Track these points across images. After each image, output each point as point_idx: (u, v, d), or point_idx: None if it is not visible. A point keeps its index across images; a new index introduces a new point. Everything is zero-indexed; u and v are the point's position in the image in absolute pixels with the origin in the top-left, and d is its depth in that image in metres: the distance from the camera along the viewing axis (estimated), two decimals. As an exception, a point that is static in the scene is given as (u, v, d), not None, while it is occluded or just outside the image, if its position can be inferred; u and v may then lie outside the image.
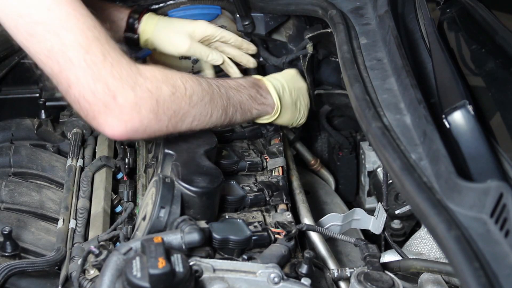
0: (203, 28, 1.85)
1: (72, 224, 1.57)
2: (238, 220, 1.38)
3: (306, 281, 1.27)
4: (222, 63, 1.94)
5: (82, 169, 1.79)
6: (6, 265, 1.36)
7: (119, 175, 1.80)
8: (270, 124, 1.76)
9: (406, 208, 1.89)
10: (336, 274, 1.41)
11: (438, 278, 1.42)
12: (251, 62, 2.00)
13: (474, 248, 1.00)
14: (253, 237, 1.34)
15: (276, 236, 1.38)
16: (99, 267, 1.24)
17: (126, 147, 1.88)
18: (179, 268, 1.12)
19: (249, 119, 1.65)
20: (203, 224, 1.29)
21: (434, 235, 1.08)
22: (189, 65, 2.06)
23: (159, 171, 1.44)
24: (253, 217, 1.49)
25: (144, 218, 1.32)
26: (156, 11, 2.33)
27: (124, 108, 1.30)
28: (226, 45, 1.94)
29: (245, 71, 2.13)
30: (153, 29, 1.86)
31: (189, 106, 1.41)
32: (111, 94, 1.28)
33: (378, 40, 1.67)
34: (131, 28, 1.87)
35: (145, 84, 1.32)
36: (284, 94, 1.71)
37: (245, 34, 2.21)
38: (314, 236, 1.58)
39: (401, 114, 1.36)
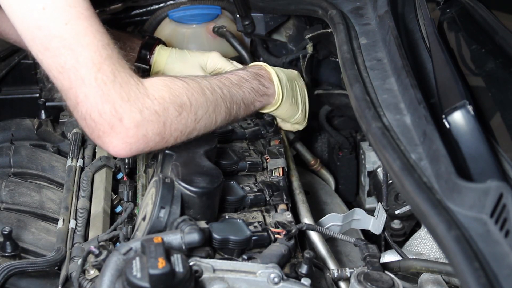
0: (215, 60, 1.84)
1: (72, 224, 1.57)
2: (238, 220, 1.38)
3: (306, 281, 1.27)
4: None
5: (82, 169, 1.79)
6: (6, 265, 1.36)
7: (119, 175, 1.80)
8: (270, 125, 1.76)
9: (406, 208, 1.89)
10: (336, 274, 1.41)
11: (438, 278, 1.42)
12: None
13: (474, 248, 1.00)
14: (253, 237, 1.34)
15: (276, 236, 1.38)
16: (99, 267, 1.24)
17: (126, 147, 1.89)
18: (179, 268, 1.11)
19: (253, 110, 1.65)
20: (203, 224, 1.29)
21: (434, 235, 1.08)
22: None
23: (159, 171, 1.44)
24: (253, 217, 1.48)
25: (144, 218, 1.32)
26: (156, 12, 2.35)
27: (130, 130, 1.30)
28: None
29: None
30: (165, 61, 1.86)
31: (195, 123, 1.41)
32: (118, 116, 1.28)
33: (378, 40, 1.67)
34: (143, 59, 1.86)
35: (152, 107, 1.32)
36: (285, 85, 1.71)
37: (245, 34, 2.22)
38: (314, 236, 1.58)
39: (401, 114, 1.36)
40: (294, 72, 1.81)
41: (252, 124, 1.74)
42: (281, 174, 1.62)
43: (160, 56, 1.86)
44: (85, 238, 1.55)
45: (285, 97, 1.70)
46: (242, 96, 1.56)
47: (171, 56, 1.86)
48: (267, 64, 1.72)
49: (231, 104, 1.52)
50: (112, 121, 1.29)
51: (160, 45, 1.87)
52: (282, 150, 1.70)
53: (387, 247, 1.75)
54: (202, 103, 1.42)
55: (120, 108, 1.28)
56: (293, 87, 1.75)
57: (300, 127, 1.84)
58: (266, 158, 1.67)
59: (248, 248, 1.34)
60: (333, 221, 1.71)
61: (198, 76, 1.53)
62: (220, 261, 1.24)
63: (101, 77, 1.27)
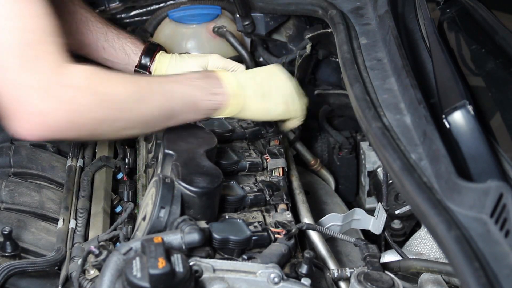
0: (216, 62, 1.82)
1: (72, 224, 1.57)
2: (238, 220, 1.38)
3: (306, 281, 1.27)
4: None
5: (82, 169, 1.79)
6: (6, 265, 1.36)
7: (119, 175, 1.80)
8: (270, 125, 1.76)
9: (406, 208, 1.89)
10: (336, 274, 1.41)
11: (438, 278, 1.42)
12: None
13: (474, 248, 1.00)
14: (253, 237, 1.34)
15: (276, 236, 1.38)
16: (99, 267, 1.24)
17: (126, 147, 1.89)
18: (179, 268, 1.12)
19: (202, 112, 1.55)
20: (203, 224, 1.29)
21: (434, 235, 1.08)
22: None
23: (159, 171, 1.44)
24: (253, 217, 1.49)
25: (144, 218, 1.32)
26: (156, 12, 2.35)
27: (38, 117, 1.30)
28: None
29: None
30: (166, 67, 1.85)
31: (118, 112, 1.39)
32: (27, 102, 1.29)
33: (378, 40, 1.67)
34: (144, 66, 1.86)
35: (65, 95, 1.31)
36: (248, 85, 1.61)
37: (245, 34, 2.22)
38: (314, 236, 1.58)
39: (401, 114, 1.36)
40: (270, 68, 1.70)
41: (252, 124, 1.74)
42: (281, 174, 1.62)
43: (161, 64, 1.85)
44: (85, 238, 1.55)
45: (249, 99, 1.61)
46: (183, 92, 1.50)
47: (171, 62, 1.85)
48: (218, 70, 1.66)
49: (168, 99, 1.47)
50: (21, 107, 1.29)
51: (161, 52, 1.87)
52: (282, 150, 1.70)
53: (387, 247, 1.75)
54: (127, 94, 1.40)
55: (30, 95, 1.28)
56: (263, 83, 1.64)
57: (297, 121, 1.73)
58: (266, 158, 1.67)
59: (248, 248, 1.34)
60: (333, 221, 1.71)
61: (129, 74, 1.51)
62: (220, 261, 1.24)
63: (18, 63, 1.28)
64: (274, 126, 1.77)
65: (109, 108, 1.37)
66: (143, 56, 1.85)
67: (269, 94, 1.63)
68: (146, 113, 1.44)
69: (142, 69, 1.85)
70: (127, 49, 1.85)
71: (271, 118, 1.67)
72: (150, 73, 1.87)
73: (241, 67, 1.83)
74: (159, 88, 1.47)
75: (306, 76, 2.15)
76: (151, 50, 1.85)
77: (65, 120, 1.33)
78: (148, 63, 1.85)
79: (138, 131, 1.48)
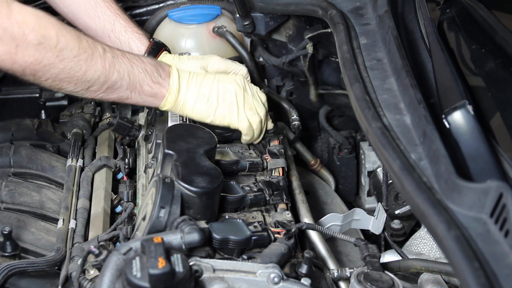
0: (216, 63, 1.82)
1: (72, 224, 1.57)
2: (238, 220, 1.38)
3: (306, 281, 1.27)
4: None
5: (82, 169, 1.79)
6: (6, 265, 1.36)
7: (119, 175, 1.80)
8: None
9: (406, 208, 1.89)
10: (336, 274, 1.41)
11: (438, 278, 1.42)
12: None
13: (474, 248, 1.00)
14: (253, 237, 1.34)
15: (276, 235, 1.38)
16: (99, 267, 1.24)
17: (126, 147, 1.89)
18: (179, 268, 1.12)
19: (141, 94, 1.58)
20: (203, 224, 1.29)
21: (434, 235, 1.08)
22: None
23: (159, 171, 1.44)
24: (253, 217, 1.49)
25: (144, 218, 1.32)
26: (156, 12, 2.35)
27: None
28: None
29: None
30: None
31: (57, 59, 1.42)
32: None
33: (378, 40, 1.67)
34: None
35: (10, 28, 1.35)
36: (193, 87, 1.63)
37: (245, 34, 2.22)
38: (314, 236, 1.58)
39: (401, 114, 1.36)
40: (227, 78, 1.68)
41: None
42: (281, 174, 1.62)
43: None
44: (85, 238, 1.55)
45: (189, 98, 1.62)
46: (129, 70, 1.54)
47: (173, 62, 1.85)
48: (171, 64, 1.68)
49: (112, 69, 1.50)
50: None
51: (164, 52, 1.87)
52: (282, 150, 1.70)
53: (387, 247, 1.75)
54: (72, 46, 1.44)
55: None
56: (212, 90, 1.64)
57: (246, 137, 1.70)
58: (266, 158, 1.67)
59: (248, 248, 1.34)
60: (333, 221, 1.71)
61: (82, 33, 1.53)
62: (220, 261, 1.24)
63: None
64: (274, 126, 1.77)
65: (47, 51, 1.40)
66: (145, 55, 1.85)
67: (213, 101, 1.64)
68: (87, 70, 1.47)
69: None
70: (132, 45, 1.85)
71: (211, 123, 1.66)
72: None
73: (242, 68, 1.83)
74: (104, 54, 1.50)
75: (316, 76, 2.16)
76: (155, 50, 1.85)
77: (4, 51, 1.36)
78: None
79: (75, 88, 1.50)
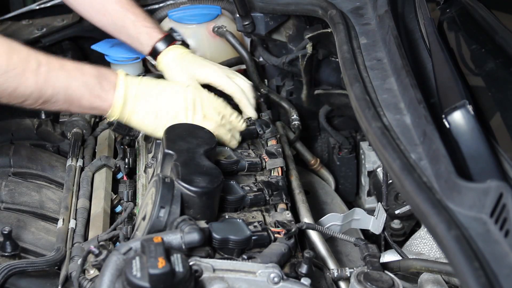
0: (205, 74, 1.78)
1: (72, 224, 1.57)
2: (238, 220, 1.38)
3: (306, 281, 1.27)
4: None
5: (82, 169, 1.79)
6: (6, 265, 1.36)
7: (119, 175, 1.80)
8: (267, 125, 1.76)
9: (406, 208, 1.89)
10: (336, 274, 1.41)
11: (438, 278, 1.42)
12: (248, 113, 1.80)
13: (474, 248, 1.00)
14: (253, 237, 1.34)
15: (276, 235, 1.38)
16: (99, 267, 1.24)
17: (126, 147, 1.89)
18: (179, 268, 1.12)
19: (80, 108, 1.55)
20: (203, 224, 1.29)
21: (434, 235, 1.08)
22: None
23: (159, 171, 1.44)
24: (253, 217, 1.49)
25: (144, 218, 1.32)
26: (156, 12, 2.35)
27: None
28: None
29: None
30: (168, 60, 1.83)
31: None
32: None
33: (378, 40, 1.67)
34: (154, 55, 1.86)
35: None
36: (140, 97, 1.58)
37: (245, 34, 2.22)
38: (314, 236, 1.58)
39: (401, 114, 1.36)
40: (177, 89, 1.63)
41: (248, 123, 1.74)
42: (280, 174, 1.62)
43: (166, 55, 1.84)
44: (85, 238, 1.55)
45: (137, 112, 1.57)
46: (66, 85, 1.49)
47: (175, 58, 1.84)
48: (120, 72, 1.60)
49: (46, 84, 1.47)
50: None
51: (174, 45, 1.86)
52: (280, 149, 1.70)
53: (387, 247, 1.75)
54: (0, 63, 1.41)
55: None
56: (160, 103, 1.59)
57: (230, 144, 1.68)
58: (265, 158, 1.67)
59: (248, 247, 1.34)
60: (333, 221, 1.71)
61: (32, 49, 1.49)
62: (220, 261, 1.24)
63: None
64: (270, 125, 1.77)
65: None
66: (155, 46, 1.85)
67: (162, 116, 1.59)
68: (17, 87, 1.45)
69: (152, 56, 1.86)
70: (142, 39, 1.86)
71: (160, 136, 1.57)
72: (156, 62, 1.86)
73: (230, 86, 1.77)
74: (37, 69, 1.46)
75: (312, 77, 2.15)
76: (164, 43, 1.84)
77: None
78: (158, 54, 1.84)
79: (9, 102, 1.48)
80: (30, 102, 1.49)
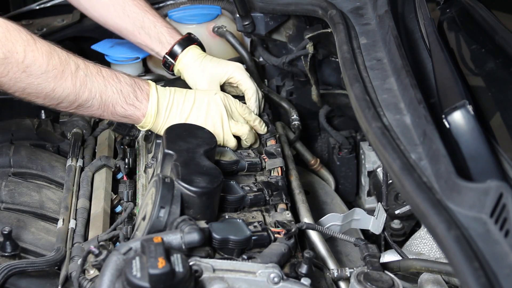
0: (225, 71, 1.80)
1: (72, 224, 1.57)
2: (238, 220, 1.38)
3: (306, 281, 1.27)
4: None
5: (82, 169, 1.79)
6: (6, 265, 1.36)
7: (119, 175, 1.80)
8: (266, 125, 1.76)
9: (406, 208, 1.89)
10: (336, 274, 1.41)
11: (438, 278, 1.42)
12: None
13: (474, 248, 1.00)
14: (253, 237, 1.34)
15: (276, 235, 1.38)
16: (99, 267, 1.24)
17: (126, 147, 1.89)
18: (179, 268, 1.12)
19: (114, 115, 1.57)
20: (203, 224, 1.29)
21: (434, 235, 1.08)
22: None
23: (159, 171, 1.44)
24: (253, 217, 1.49)
25: (144, 218, 1.32)
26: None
27: None
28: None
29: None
30: (187, 63, 1.84)
31: (23, 74, 1.42)
32: None
33: (378, 40, 1.67)
34: (173, 56, 1.85)
35: None
36: (172, 107, 1.61)
37: (245, 34, 2.22)
38: (314, 236, 1.58)
39: (401, 114, 1.36)
40: (211, 97, 1.66)
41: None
42: (279, 174, 1.62)
43: (185, 57, 1.84)
44: (85, 238, 1.55)
45: (168, 119, 1.60)
46: (103, 90, 1.51)
47: (194, 58, 1.84)
48: (154, 84, 1.63)
49: (82, 87, 1.48)
50: None
51: (194, 46, 1.86)
52: (279, 149, 1.70)
53: (387, 247, 1.75)
54: (40, 62, 1.43)
55: None
56: (192, 109, 1.62)
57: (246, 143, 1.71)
58: (264, 158, 1.67)
59: (248, 248, 1.34)
60: (333, 221, 1.71)
61: (70, 53, 1.51)
62: (220, 261, 1.24)
63: None
64: (269, 125, 1.77)
65: (13, 66, 1.40)
66: (174, 47, 1.85)
67: (194, 121, 1.62)
68: (55, 88, 1.46)
69: (171, 57, 1.86)
70: (162, 38, 1.86)
71: None
72: (174, 63, 1.85)
73: (246, 83, 1.80)
74: (75, 72, 1.48)
75: (317, 76, 2.16)
76: (184, 44, 1.84)
77: None
78: (179, 53, 1.84)
79: (45, 103, 1.50)
80: (65, 105, 1.51)
